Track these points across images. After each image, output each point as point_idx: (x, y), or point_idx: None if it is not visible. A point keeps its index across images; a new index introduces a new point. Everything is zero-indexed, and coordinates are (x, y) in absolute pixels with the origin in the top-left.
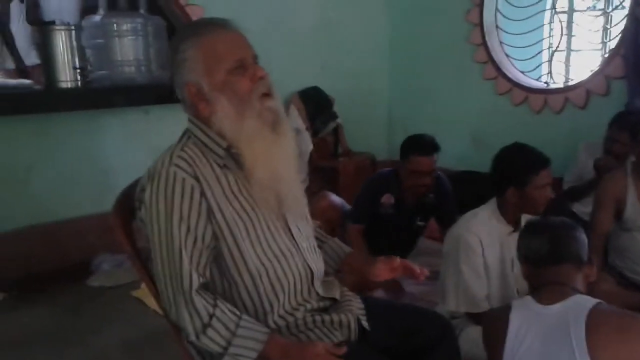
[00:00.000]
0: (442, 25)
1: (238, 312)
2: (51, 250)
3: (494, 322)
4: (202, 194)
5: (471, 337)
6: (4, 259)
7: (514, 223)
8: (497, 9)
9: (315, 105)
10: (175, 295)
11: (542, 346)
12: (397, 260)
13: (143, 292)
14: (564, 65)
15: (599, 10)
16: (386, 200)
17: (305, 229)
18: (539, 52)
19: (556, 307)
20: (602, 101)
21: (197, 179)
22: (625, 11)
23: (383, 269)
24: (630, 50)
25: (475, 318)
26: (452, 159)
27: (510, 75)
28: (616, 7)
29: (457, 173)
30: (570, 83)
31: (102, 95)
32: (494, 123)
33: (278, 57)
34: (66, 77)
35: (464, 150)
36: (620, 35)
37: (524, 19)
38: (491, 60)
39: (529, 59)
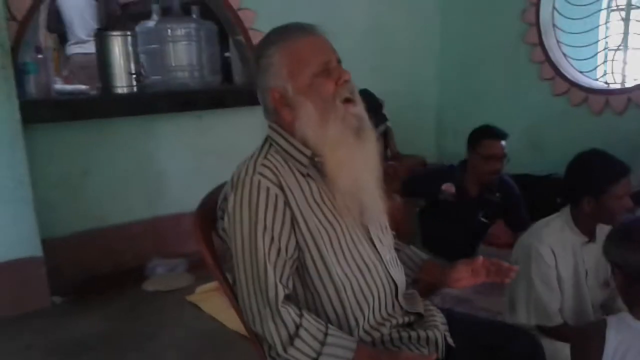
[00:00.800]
0: (496, 26)
1: (324, 323)
2: (106, 255)
3: (588, 341)
4: (287, 203)
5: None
6: (61, 263)
7: (589, 233)
8: (554, 8)
9: (366, 107)
10: (260, 307)
11: None
12: (480, 260)
13: (198, 297)
14: (622, 64)
15: None
16: (447, 188)
17: (386, 240)
18: (597, 52)
19: None
20: None
21: (281, 187)
22: None
23: (464, 273)
24: None
25: (546, 331)
26: (508, 163)
27: (568, 75)
28: None
29: (512, 177)
30: (631, 83)
31: (156, 100)
32: (551, 125)
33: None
34: (122, 82)
35: (519, 154)
36: None
37: (582, 18)
38: (548, 60)
39: (588, 58)
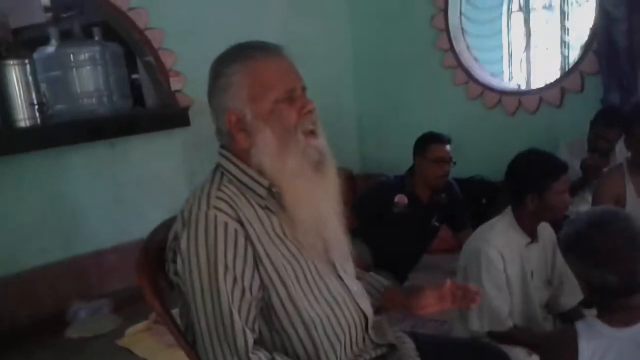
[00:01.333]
0: (407, 33)
1: None
2: (23, 302)
3: (560, 351)
4: (247, 238)
5: None
6: None
7: (532, 233)
8: (461, 12)
9: None
10: (227, 356)
11: None
12: (447, 284)
13: (129, 340)
14: (526, 64)
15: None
16: (400, 200)
17: (350, 271)
18: (504, 55)
19: (631, 330)
20: (577, 98)
21: (240, 222)
22: (584, 7)
23: (431, 299)
24: (603, 45)
25: (498, 337)
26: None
27: (480, 79)
28: (572, 4)
29: None
30: (537, 81)
31: (62, 131)
32: (468, 128)
33: None
34: (23, 114)
35: None
36: (590, 31)
37: (488, 22)
38: (460, 65)
39: (496, 61)
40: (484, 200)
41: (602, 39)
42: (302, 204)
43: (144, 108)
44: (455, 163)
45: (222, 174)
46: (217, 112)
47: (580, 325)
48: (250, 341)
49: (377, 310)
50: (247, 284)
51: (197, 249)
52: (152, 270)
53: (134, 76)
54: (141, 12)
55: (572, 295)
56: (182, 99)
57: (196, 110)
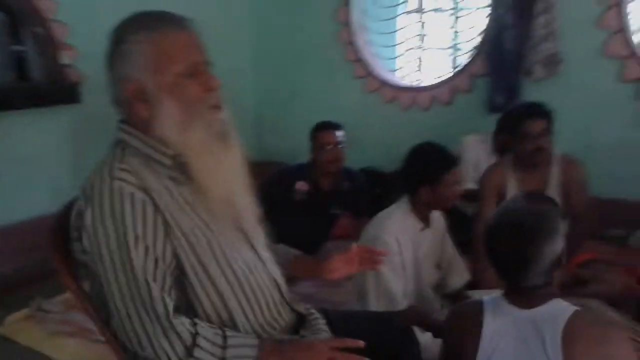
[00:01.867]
0: (310, 24)
1: (219, 327)
2: None
3: (465, 323)
4: (155, 208)
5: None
6: None
7: (425, 220)
8: (363, 9)
9: None
10: (147, 326)
11: (515, 351)
12: (354, 248)
13: (10, 329)
14: (419, 63)
15: (449, 10)
16: (300, 187)
17: (261, 240)
18: (404, 52)
19: (532, 312)
20: (466, 97)
21: (146, 192)
22: (474, 13)
23: (339, 263)
24: (493, 49)
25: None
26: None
27: (379, 74)
28: (462, 9)
29: None
30: (430, 79)
31: None
32: (365, 120)
33: None
34: None
35: None
36: (482, 35)
37: (387, 20)
38: (360, 59)
39: (394, 58)
40: (377, 190)
41: (491, 43)
42: (211, 175)
43: (29, 82)
44: (351, 169)
45: (123, 148)
46: (115, 80)
47: (487, 301)
48: (170, 307)
49: (287, 282)
50: (159, 253)
51: (104, 223)
52: (64, 249)
53: (16, 47)
54: None
55: (458, 277)
56: (73, 74)
57: (88, 87)
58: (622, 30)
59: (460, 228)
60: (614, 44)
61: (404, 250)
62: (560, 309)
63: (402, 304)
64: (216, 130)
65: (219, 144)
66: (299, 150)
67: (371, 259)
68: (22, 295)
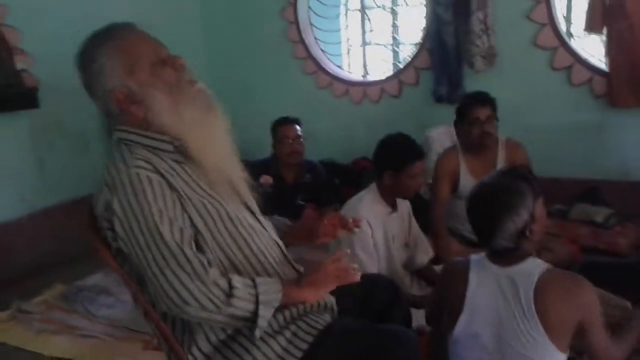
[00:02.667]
0: (258, 22)
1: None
2: None
3: (454, 277)
4: (170, 185)
5: None
6: None
7: (392, 205)
8: (309, 7)
9: None
10: (188, 284)
11: (496, 303)
12: (335, 215)
13: None
14: (362, 59)
15: (389, 8)
16: (265, 180)
17: (256, 207)
18: (348, 49)
19: (510, 269)
20: (413, 90)
21: (159, 174)
22: (419, 8)
23: (330, 226)
24: (434, 44)
25: None
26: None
27: (329, 70)
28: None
29: None
30: (374, 74)
31: None
32: (319, 115)
33: None
34: None
35: None
36: (423, 31)
37: (332, 18)
38: (310, 56)
39: (340, 54)
40: (337, 181)
41: (433, 38)
42: (208, 149)
43: None
44: (312, 162)
45: (126, 144)
46: (102, 97)
47: (473, 260)
48: (205, 262)
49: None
50: (181, 223)
51: (131, 206)
52: (99, 234)
53: None
54: None
55: (424, 254)
56: (29, 79)
57: (45, 92)
58: (551, 22)
59: (421, 211)
60: (545, 35)
61: (375, 232)
62: (535, 266)
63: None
64: (200, 102)
65: (206, 114)
66: (256, 147)
67: (348, 224)
68: None
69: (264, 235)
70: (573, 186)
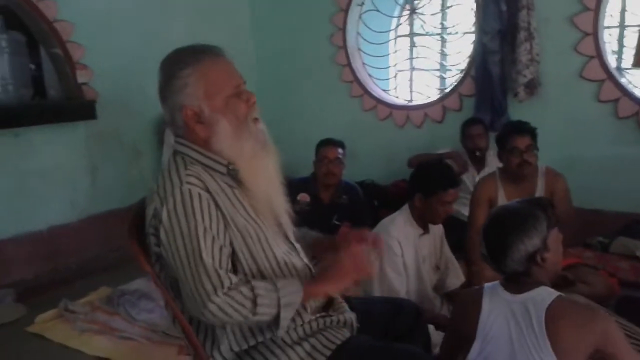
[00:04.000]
0: (308, 47)
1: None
2: None
3: (467, 305)
4: (216, 205)
5: None
6: None
7: (424, 226)
8: (358, 33)
9: None
10: (215, 299)
11: (509, 330)
12: (363, 232)
13: (40, 327)
14: (409, 84)
15: (437, 35)
16: (302, 198)
17: (291, 232)
18: (395, 74)
19: (522, 296)
20: (455, 115)
21: (209, 192)
22: (465, 36)
23: (352, 241)
24: (479, 72)
25: None
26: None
27: (374, 93)
28: (450, 33)
29: None
30: (419, 98)
31: None
32: (362, 137)
33: (150, 76)
34: None
35: None
36: (469, 58)
37: (381, 43)
38: (356, 79)
39: (387, 79)
40: (375, 202)
41: (478, 66)
42: (257, 178)
43: (46, 99)
44: (349, 182)
45: (183, 158)
46: (172, 109)
47: (486, 288)
48: (233, 279)
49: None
50: (222, 241)
51: (178, 219)
52: (138, 238)
53: (31, 66)
54: (50, 3)
55: (455, 278)
56: (89, 92)
57: (102, 104)
58: (599, 55)
59: (454, 230)
60: (592, 67)
61: (405, 252)
62: (546, 293)
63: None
64: (259, 139)
65: (262, 151)
66: (302, 167)
67: (377, 242)
68: (46, 297)
69: (296, 260)
70: (615, 219)
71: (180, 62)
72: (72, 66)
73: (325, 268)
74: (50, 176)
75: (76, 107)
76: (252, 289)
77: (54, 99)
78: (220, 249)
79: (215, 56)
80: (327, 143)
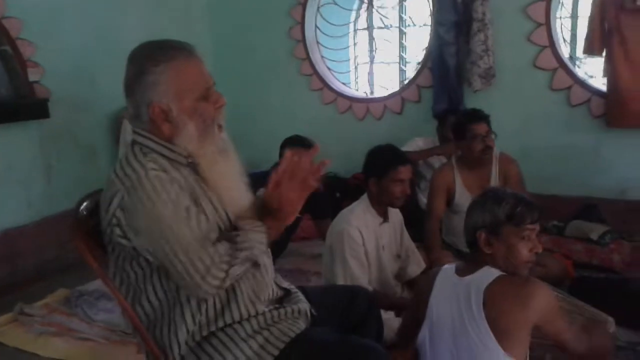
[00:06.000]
0: (266, 41)
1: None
2: None
3: (423, 286)
4: (182, 188)
5: None
6: None
7: (383, 215)
8: (316, 26)
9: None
10: (209, 279)
11: (451, 311)
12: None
13: None
14: (367, 76)
15: (396, 27)
16: (262, 193)
17: None
18: (354, 67)
19: (467, 278)
20: (414, 107)
21: (173, 178)
22: (421, 29)
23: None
24: (436, 63)
25: None
26: None
27: (333, 87)
28: (408, 25)
29: None
30: (379, 91)
31: None
32: (323, 130)
33: (103, 72)
34: None
35: None
36: (425, 50)
37: (340, 36)
38: (316, 73)
39: (347, 72)
40: (337, 194)
41: (435, 58)
42: (219, 182)
43: None
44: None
45: (141, 148)
46: (138, 103)
47: (442, 270)
48: (218, 252)
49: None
50: (204, 217)
51: (155, 205)
52: (86, 234)
53: None
54: None
55: (416, 266)
56: (40, 90)
57: (55, 102)
58: (551, 44)
59: (419, 222)
60: (544, 57)
61: (366, 241)
62: (488, 274)
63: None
64: (219, 147)
65: (221, 158)
66: (262, 160)
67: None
68: (1, 302)
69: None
70: (570, 204)
71: (152, 57)
72: (23, 64)
73: (271, 208)
74: (3, 177)
75: (28, 106)
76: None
77: (5, 98)
78: (200, 223)
79: (189, 55)
80: (297, 144)
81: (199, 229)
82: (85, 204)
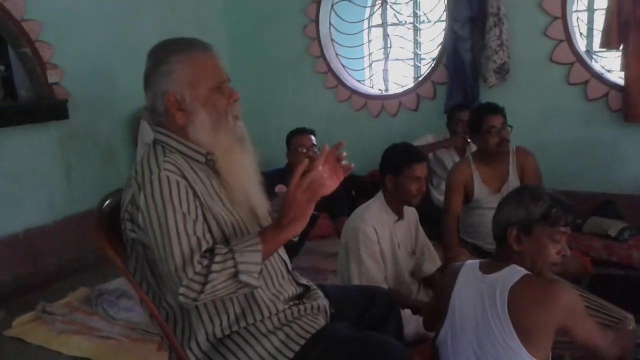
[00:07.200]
0: (281, 39)
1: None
2: None
3: (446, 278)
4: (194, 193)
5: None
6: None
7: (399, 213)
8: (330, 24)
9: None
10: (188, 270)
11: (474, 308)
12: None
13: (19, 330)
14: (382, 73)
15: (410, 24)
16: (280, 189)
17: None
18: (369, 64)
19: (492, 276)
20: (429, 103)
21: (186, 180)
22: (437, 25)
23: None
24: (451, 59)
25: None
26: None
27: (348, 84)
28: (422, 21)
29: None
30: (394, 88)
31: None
32: (338, 128)
33: (121, 74)
34: None
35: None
36: (440, 47)
37: (354, 33)
38: (330, 70)
39: (362, 69)
40: (353, 192)
41: (450, 54)
42: (234, 171)
43: (16, 100)
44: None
45: (162, 147)
46: (154, 93)
47: (466, 264)
48: (202, 263)
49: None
50: (201, 225)
51: (156, 205)
52: (108, 232)
53: (2, 67)
54: (17, 2)
55: (432, 263)
56: (60, 91)
57: (74, 103)
58: (568, 38)
59: (435, 219)
60: (561, 51)
61: (381, 239)
62: (513, 273)
63: (383, 287)
64: (236, 135)
65: (238, 146)
66: (277, 158)
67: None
68: (23, 301)
69: (273, 256)
70: (588, 200)
71: (170, 49)
72: (42, 66)
73: (282, 211)
74: (24, 178)
75: (48, 108)
76: (209, 265)
77: (25, 99)
78: (203, 230)
79: (205, 50)
80: (300, 132)
81: (189, 243)
82: (107, 202)
